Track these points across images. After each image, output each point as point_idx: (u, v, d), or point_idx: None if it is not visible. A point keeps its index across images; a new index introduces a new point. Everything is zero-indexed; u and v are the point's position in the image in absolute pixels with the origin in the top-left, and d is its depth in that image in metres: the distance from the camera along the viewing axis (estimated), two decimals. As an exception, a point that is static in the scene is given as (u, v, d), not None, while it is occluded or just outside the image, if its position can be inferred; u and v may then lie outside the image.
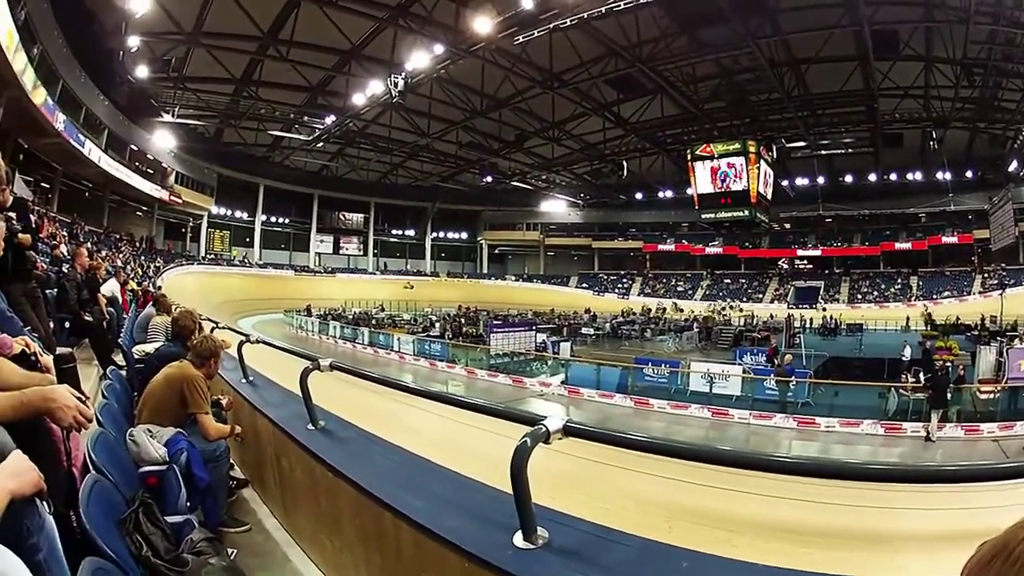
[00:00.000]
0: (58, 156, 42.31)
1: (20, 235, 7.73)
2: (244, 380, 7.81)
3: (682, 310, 68.65)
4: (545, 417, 3.00)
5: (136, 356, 9.17)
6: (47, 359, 3.57)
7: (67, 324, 11.13)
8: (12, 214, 7.19)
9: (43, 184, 43.29)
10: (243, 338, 8.75)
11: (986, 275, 60.76)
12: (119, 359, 10.35)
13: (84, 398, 2.83)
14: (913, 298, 64.06)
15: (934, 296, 62.76)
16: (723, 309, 67.37)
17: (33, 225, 9.43)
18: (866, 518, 3.58)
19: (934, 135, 53.54)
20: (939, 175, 60.45)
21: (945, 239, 66.18)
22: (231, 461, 6.69)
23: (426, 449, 4.59)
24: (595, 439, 3.11)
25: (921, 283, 66.62)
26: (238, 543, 5.49)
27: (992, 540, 1.11)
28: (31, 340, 3.94)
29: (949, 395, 21.42)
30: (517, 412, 3.48)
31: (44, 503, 2.23)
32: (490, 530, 3.06)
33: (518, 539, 2.93)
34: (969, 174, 60.82)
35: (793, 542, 3.47)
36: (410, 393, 4.87)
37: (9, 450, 2.22)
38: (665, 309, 68.77)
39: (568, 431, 2.94)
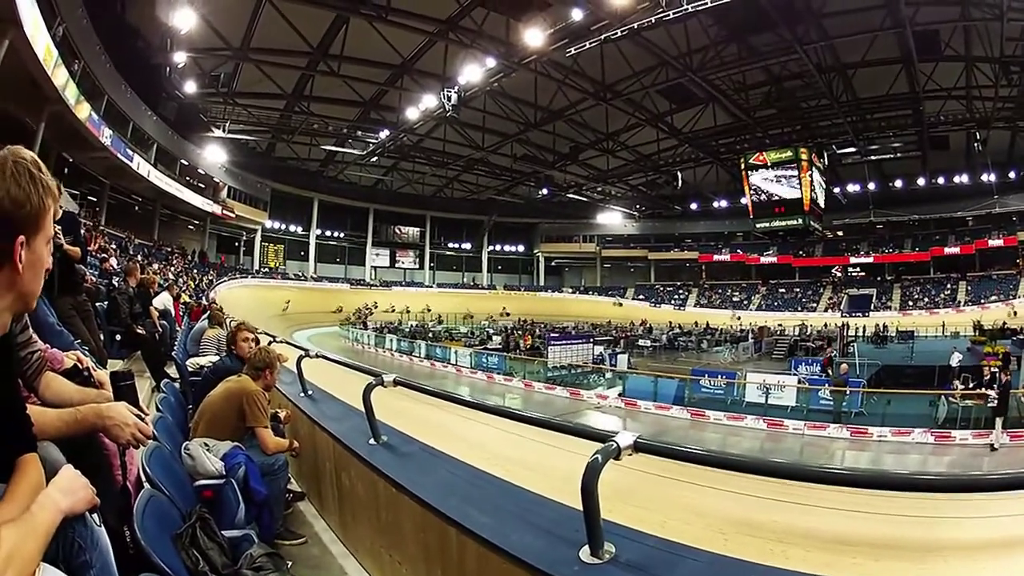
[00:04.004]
0: (105, 170, 42.78)
1: (67, 247, 7.80)
2: (303, 394, 7.87)
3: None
4: (616, 433, 2.97)
5: (190, 369, 9.26)
6: (101, 373, 3.55)
7: (118, 337, 11.18)
8: (58, 227, 7.26)
9: (90, 198, 43.62)
10: (302, 353, 8.82)
11: (1030, 277, 59.74)
12: (172, 372, 10.41)
13: (143, 415, 2.83)
14: (961, 304, 63.18)
15: (982, 301, 61.75)
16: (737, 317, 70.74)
17: (82, 238, 9.48)
18: (916, 527, 3.56)
19: (978, 136, 53.20)
20: (984, 177, 60.02)
21: (991, 242, 65.24)
22: (288, 474, 6.69)
23: (486, 462, 4.61)
24: (665, 455, 3.11)
25: (969, 288, 65.68)
26: (293, 555, 5.49)
27: None
28: (83, 354, 3.94)
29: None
30: (587, 429, 3.48)
31: (97, 518, 2.21)
32: (555, 545, 3.06)
33: (584, 554, 2.91)
34: (1012, 175, 60.29)
35: (843, 552, 3.45)
36: (479, 410, 4.87)
37: (60, 466, 2.20)
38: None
39: (639, 447, 2.93)
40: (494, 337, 50.84)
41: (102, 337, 9.91)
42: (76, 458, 2.44)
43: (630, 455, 2.92)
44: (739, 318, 74.04)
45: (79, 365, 3.48)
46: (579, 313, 78.87)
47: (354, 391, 5.84)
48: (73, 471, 2.16)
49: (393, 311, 72.88)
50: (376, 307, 70.83)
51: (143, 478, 3.61)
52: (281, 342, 12.96)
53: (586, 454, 2.96)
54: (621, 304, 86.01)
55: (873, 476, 3.40)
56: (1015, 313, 54.08)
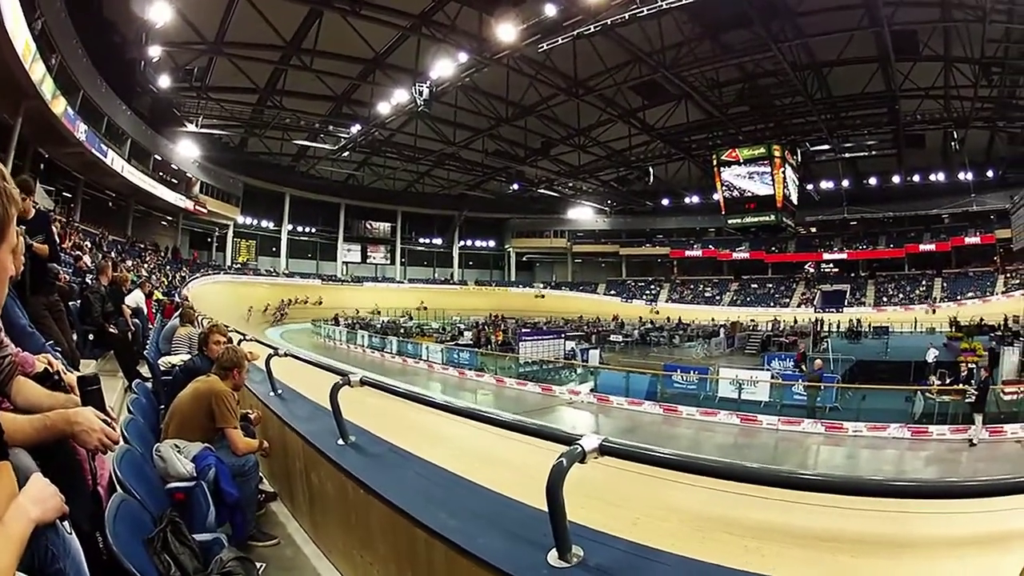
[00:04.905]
0: (80, 166, 42.50)
1: (36, 246, 7.73)
2: (272, 393, 7.83)
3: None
4: (581, 436, 2.98)
5: (162, 368, 9.19)
6: (71, 377, 3.49)
7: (91, 336, 11.08)
8: (23, 226, 7.20)
9: (65, 194, 43.44)
10: (271, 351, 8.77)
11: (1008, 275, 60.46)
12: (144, 371, 10.34)
13: (110, 420, 2.82)
14: (936, 301, 63.77)
15: (958, 297, 62.51)
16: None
17: (55, 236, 9.38)
18: (893, 523, 3.53)
19: (955, 135, 53.52)
20: (961, 175, 60.41)
21: (968, 240, 65.94)
22: (259, 474, 6.71)
23: (456, 461, 4.58)
24: (631, 458, 3.08)
25: (945, 284, 66.34)
26: (267, 557, 5.50)
27: None
28: (54, 357, 3.94)
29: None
30: (553, 431, 3.48)
31: (68, 526, 2.21)
32: (523, 548, 3.05)
33: (552, 557, 2.91)
34: (990, 174, 60.90)
35: (820, 549, 3.41)
36: (445, 411, 4.86)
37: (31, 474, 2.19)
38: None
39: (604, 450, 2.92)
40: (465, 333, 50.74)
41: (75, 337, 9.82)
42: (46, 464, 2.45)
43: (596, 458, 2.91)
44: (657, 311, 75.77)
45: (49, 369, 3.44)
46: (550, 308, 79.52)
47: (324, 389, 5.79)
48: (43, 480, 2.15)
49: (320, 304, 71.26)
50: (290, 304, 68.38)
51: (114, 481, 3.59)
52: (251, 340, 12.84)
53: (557, 451, 2.97)
54: (543, 296, 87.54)
55: (848, 482, 3.40)
56: (934, 312, 57.59)
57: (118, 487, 3.54)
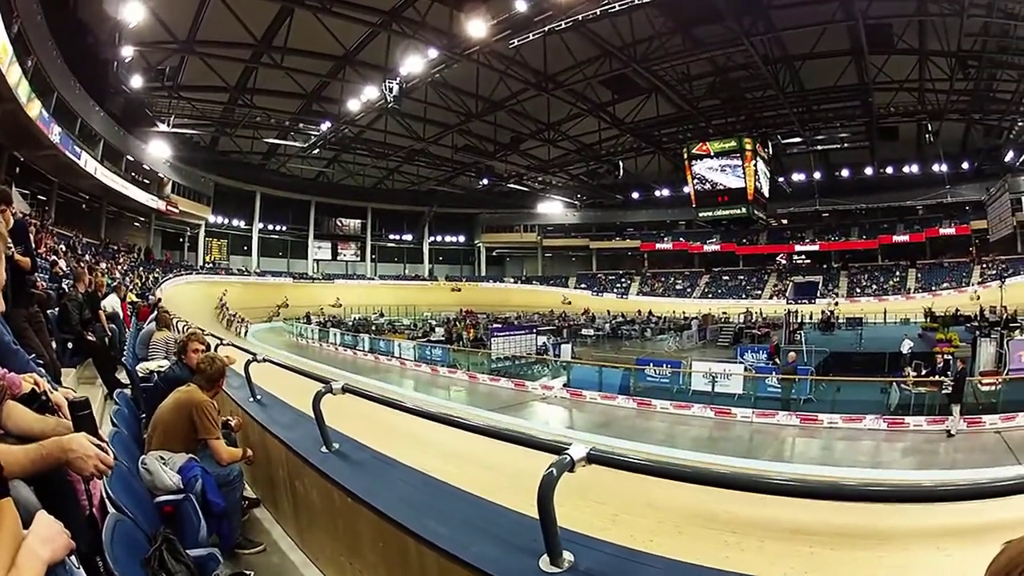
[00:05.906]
0: (54, 169, 42.22)
1: (18, 258, 7.65)
2: (252, 399, 7.76)
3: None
4: (569, 445, 2.99)
5: (140, 374, 9.04)
6: (58, 396, 3.47)
7: (69, 345, 10.94)
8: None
9: (40, 197, 43.18)
10: (250, 357, 8.68)
11: (984, 266, 60.82)
12: (123, 377, 10.28)
13: (103, 444, 2.79)
14: (911, 291, 64.17)
15: (932, 288, 62.78)
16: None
17: (32, 246, 9.27)
18: (871, 515, 3.55)
19: (930, 128, 53.96)
20: (935, 167, 60.47)
21: (943, 231, 66.31)
22: (243, 482, 6.64)
23: (440, 465, 4.61)
24: (619, 467, 3.07)
25: (919, 275, 66.64)
26: (253, 564, 5.48)
27: (1014, 545, 1.15)
28: (37, 372, 3.92)
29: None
30: (541, 440, 3.45)
31: (76, 560, 2.21)
32: (515, 555, 3.06)
33: (544, 563, 2.92)
34: (965, 165, 61.17)
35: (798, 542, 3.44)
36: (429, 419, 4.83)
37: (35, 509, 2.17)
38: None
39: (592, 459, 2.93)
40: (437, 329, 50.93)
41: (54, 346, 9.73)
42: (41, 491, 2.46)
43: (584, 466, 2.93)
44: (569, 302, 77.34)
45: (36, 389, 3.39)
46: (521, 303, 79.52)
47: (302, 391, 5.84)
48: (48, 517, 2.13)
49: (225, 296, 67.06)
50: (226, 295, 63.45)
51: (106, 501, 3.57)
52: (228, 344, 12.75)
53: (541, 454, 3.05)
54: (459, 289, 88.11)
55: (830, 488, 3.42)
56: (836, 303, 59.46)
57: (111, 506, 3.53)
